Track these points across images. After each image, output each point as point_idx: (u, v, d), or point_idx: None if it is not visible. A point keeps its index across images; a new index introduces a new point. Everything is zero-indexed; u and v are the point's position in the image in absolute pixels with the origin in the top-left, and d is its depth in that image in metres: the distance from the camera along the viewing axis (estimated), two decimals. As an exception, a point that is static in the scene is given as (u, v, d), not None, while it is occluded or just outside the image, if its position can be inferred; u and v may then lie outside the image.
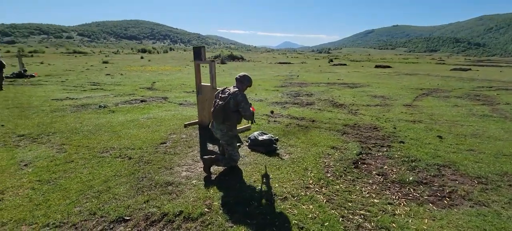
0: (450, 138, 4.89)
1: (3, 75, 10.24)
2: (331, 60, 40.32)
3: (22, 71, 14.35)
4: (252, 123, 3.57)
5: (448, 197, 2.91)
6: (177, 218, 2.46)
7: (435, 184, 3.19)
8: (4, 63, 10.20)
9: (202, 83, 5.68)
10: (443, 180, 3.31)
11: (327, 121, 6.07)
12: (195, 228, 2.35)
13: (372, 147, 4.43)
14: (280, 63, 33.85)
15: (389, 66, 28.36)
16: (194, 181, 3.16)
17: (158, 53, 55.10)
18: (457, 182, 3.25)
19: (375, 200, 2.81)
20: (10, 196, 2.80)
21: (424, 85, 12.78)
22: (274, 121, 6.13)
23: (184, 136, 4.90)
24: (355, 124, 5.84)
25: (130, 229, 2.32)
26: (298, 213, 2.55)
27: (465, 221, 2.47)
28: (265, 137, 4.28)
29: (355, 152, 4.14)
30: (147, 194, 2.84)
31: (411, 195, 2.96)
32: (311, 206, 2.67)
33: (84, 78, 14.11)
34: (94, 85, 11.85)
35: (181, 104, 8.03)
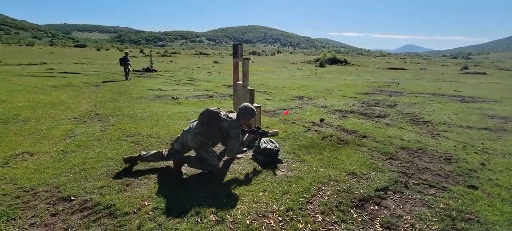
0: None
1: (129, 69, 13.34)
2: (466, 68, 31.76)
3: (150, 67, 18.29)
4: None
5: None
6: (104, 211, 2.42)
7: (473, 270, 1.85)
8: (128, 60, 13.26)
9: (238, 82, 5.54)
10: (499, 266, 1.89)
11: (381, 139, 4.71)
12: (107, 225, 2.23)
13: (414, 184, 3.08)
14: (390, 68, 29.44)
15: (561, 78, 19.68)
16: (161, 178, 3.05)
17: (266, 55, 58.77)
18: (528, 280, 1.78)
19: (336, 262, 1.89)
20: (34, 159, 3.51)
21: None
22: (315, 130, 5.28)
23: (201, 132, 4.89)
24: (420, 149, 4.26)
25: (63, 209, 2.44)
26: (214, 244, 2.01)
27: None
28: (268, 145, 3.70)
29: (377, 185, 2.98)
30: (109, 180, 2.94)
31: (407, 272, 1.83)
32: (239, 241, 2.06)
33: (187, 75, 16.59)
34: (189, 80, 13.73)
35: (238, 102, 8.16)
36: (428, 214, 2.49)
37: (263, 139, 3.95)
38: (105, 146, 4.02)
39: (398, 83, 14.43)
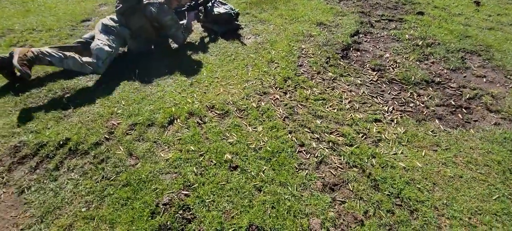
0: (491, 4, 3.49)
1: None
2: None
3: None
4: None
5: (465, 108, 2.01)
6: (59, 151, 1.70)
7: (452, 85, 2.22)
8: None
9: None
10: (465, 77, 2.31)
11: (324, -20, 4.44)
12: (82, 167, 1.62)
13: (376, 22, 3.17)
14: None
15: None
16: (104, 85, 2.23)
17: None
18: (484, 81, 2.26)
19: (357, 115, 1.94)
20: None
21: None
22: (253, -18, 4.53)
23: (117, 8, 3.59)
24: (362, -16, 4.25)
25: (-13, 170, 1.60)
26: (236, 141, 1.74)
27: (481, 153, 1.66)
28: (221, 9, 2.99)
29: (349, 30, 2.95)
30: (29, 112, 1.98)
31: (412, 104, 2.05)
32: (260, 128, 1.84)
33: None
34: None
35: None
36: (401, 47, 2.69)
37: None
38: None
39: None
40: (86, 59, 2.21)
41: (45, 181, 1.54)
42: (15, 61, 1.97)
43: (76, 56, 2.17)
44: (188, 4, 2.85)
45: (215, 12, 2.97)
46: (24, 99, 2.08)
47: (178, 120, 1.90)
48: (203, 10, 3.02)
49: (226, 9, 3.02)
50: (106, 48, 2.24)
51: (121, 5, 2.35)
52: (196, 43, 2.84)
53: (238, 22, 3.12)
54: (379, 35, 2.91)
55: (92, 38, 2.41)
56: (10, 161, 1.64)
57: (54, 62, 2.12)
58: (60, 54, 2.12)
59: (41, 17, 3.37)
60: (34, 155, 1.68)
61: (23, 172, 1.60)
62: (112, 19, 2.41)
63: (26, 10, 3.57)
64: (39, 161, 1.65)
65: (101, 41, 2.26)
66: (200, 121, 1.90)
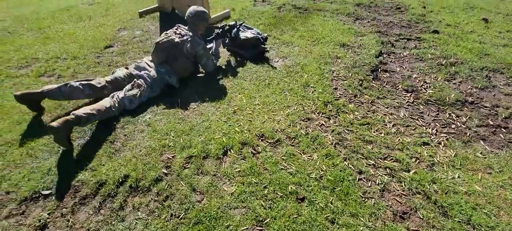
0: (499, 21, 3.69)
1: None
2: None
3: None
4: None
5: (504, 128, 2.10)
6: (120, 190, 1.68)
7: (486, 104, 2.32)
8: None
9: None
10: (494, 95, 2.43)
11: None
12: (147, 205, 1.60)
13: (395, 41, 3.30)
14: None
15: None
16: (148, 116, 2.23)
17: None
18: (513, 99, 2.38)
19: (405, 138, 2.00)
20: None
21: None
22: (263, 1, 4.66)
23: (138, 32, 3.62)
24: (372, 2, 4.43)
25: (51, 212, 1.57)
26: (296, 171, 1.76)
27: (534, 173, 1.74)
28: (248, 33, 3.05)
29: (373, 51, 3.05)
30: (76, 147, 1.95)
31: (453, 124, 2.14)
32: (315, 155, 1.87)
33: None
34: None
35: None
36: (426, 67, 2.81)
37: (238, 21, 3.21)
38: (0, 98, 2.50)
39: None
40: (115, 99, 2.19)
41: (113, 222, 1.52)
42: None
43: (105, 107, 2.11)
44: (217, 32, 2.92)
45: (242, 37, 3.02)
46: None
47: (232, 150, 1.91)
48: (228, 36, 3.08)
49: (253, 33, 3.08)
50: (135, 104, 2.27)
51: (161, 55, 2.44)
52: (227, 69, 2.88)
53: (264, 46, 3.19)
54: (401, 55, 3.03)
55: (126, 77, 2.41)
56: (72, 202, 1.61)
57: (92, 119, 2.04)
58: (93, 112, 2.03)
59: (62, 44, 3.35)
60: (95, 194, 1.66)
61: (87, 213, 1.57)
62: (158, 71, 2.43)
63: (45, 37, 3.54)
64: (101, 200, 1.63)
65: (137, 97, 2.27)
66: (254, 151, 1.91)
